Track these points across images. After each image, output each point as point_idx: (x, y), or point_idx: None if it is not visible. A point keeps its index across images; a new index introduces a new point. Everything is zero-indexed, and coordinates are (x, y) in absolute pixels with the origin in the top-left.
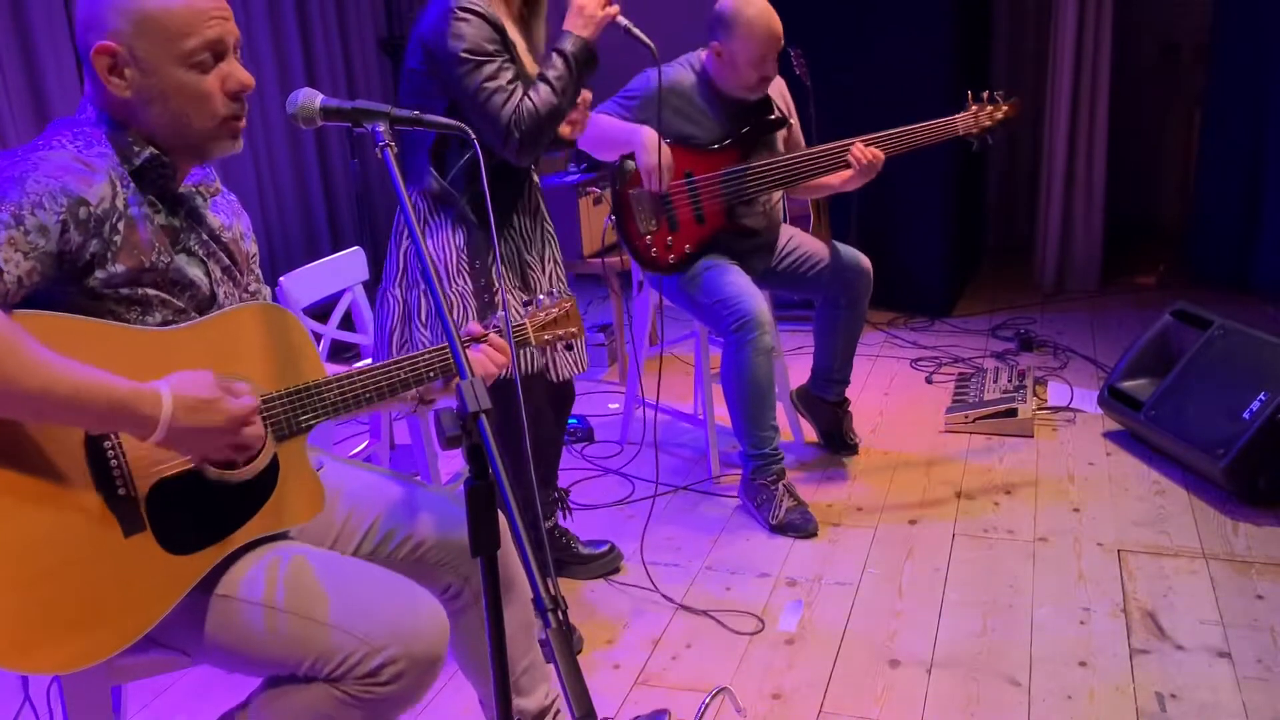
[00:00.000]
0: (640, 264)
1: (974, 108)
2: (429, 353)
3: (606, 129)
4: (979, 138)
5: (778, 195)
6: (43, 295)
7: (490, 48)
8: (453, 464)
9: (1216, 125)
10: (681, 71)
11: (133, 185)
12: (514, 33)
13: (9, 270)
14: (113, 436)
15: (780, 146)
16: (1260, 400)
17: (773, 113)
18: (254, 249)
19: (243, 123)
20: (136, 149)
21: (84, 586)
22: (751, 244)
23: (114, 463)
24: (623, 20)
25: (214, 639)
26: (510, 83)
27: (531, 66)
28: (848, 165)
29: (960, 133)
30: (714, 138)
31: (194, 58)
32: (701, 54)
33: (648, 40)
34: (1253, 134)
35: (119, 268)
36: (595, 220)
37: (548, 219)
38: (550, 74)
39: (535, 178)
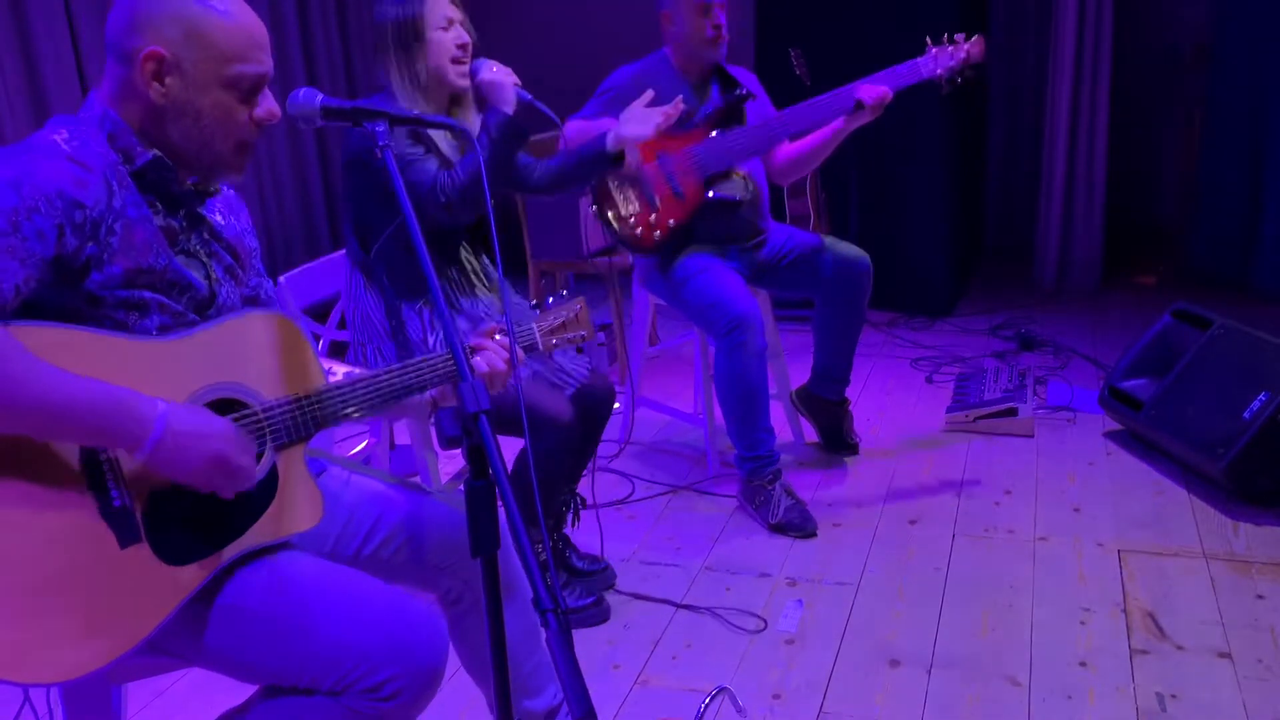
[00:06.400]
0: (627, 247)
1: (934, 50)
2: (429, 360)
3: (574, 136)
4: (948, 80)
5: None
6: (40, 301)
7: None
8: (453, 465)
9: (1217, 125)
10: (644, 65)
11: (131, 185)
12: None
13: (7, 278)
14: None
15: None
16: (1260, 400)
17: (738, 88)
18: (255, 245)
19: (251, 153)
20: (140, 149)
21: (80, 597)
22: (735, 216)
23: (109, 473)
24: (525, 94)
25: (213, 648)
26: (421, 156)
27: (455, 155)
28: (814, 127)
29: (925, 75)
30: (684, 118)
31: (238, 84)
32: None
33: (550, 114)
34: (1253, 134)
35: (115, 269)
36: (595, 220)
37: (484, 268)
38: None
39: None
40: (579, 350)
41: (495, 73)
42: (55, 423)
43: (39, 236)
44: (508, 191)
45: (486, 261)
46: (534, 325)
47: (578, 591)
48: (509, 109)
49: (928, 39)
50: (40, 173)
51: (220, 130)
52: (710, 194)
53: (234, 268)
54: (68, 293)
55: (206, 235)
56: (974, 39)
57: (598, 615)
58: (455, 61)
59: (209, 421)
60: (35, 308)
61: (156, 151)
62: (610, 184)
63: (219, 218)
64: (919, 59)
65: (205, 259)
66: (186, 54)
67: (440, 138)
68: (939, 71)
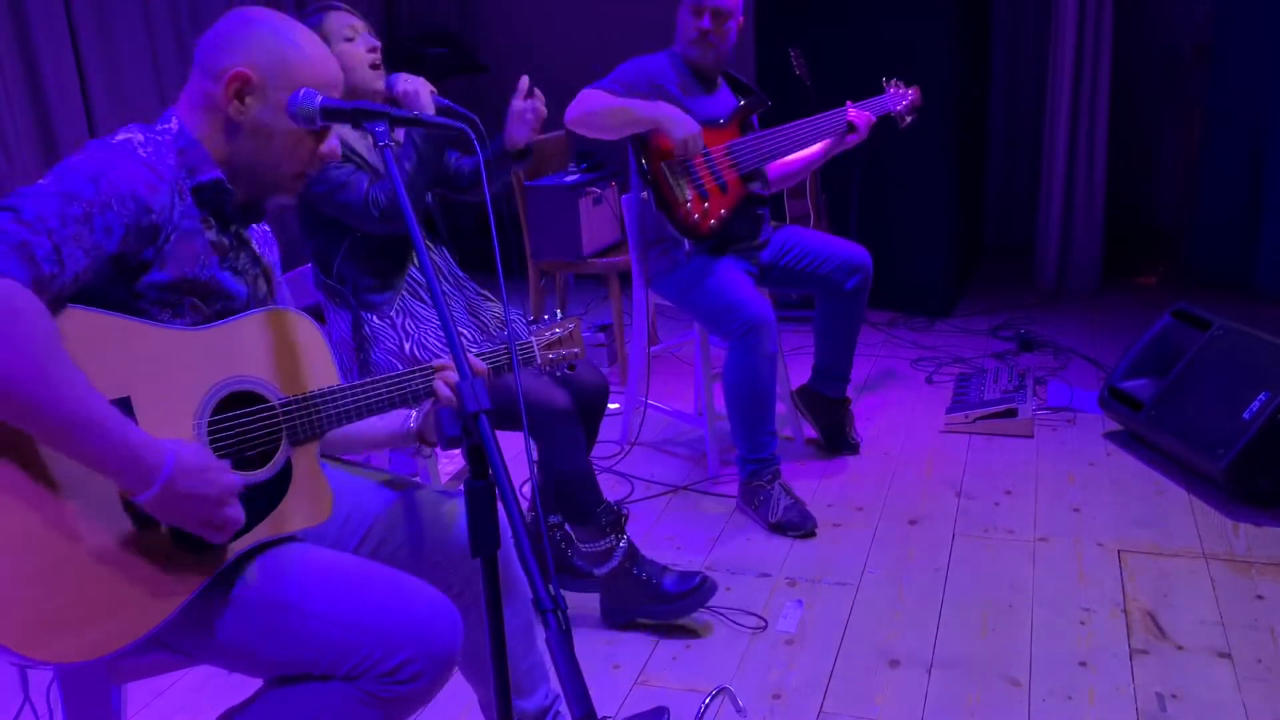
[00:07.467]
0: (682, 231)
1: (890, 89)
2: (440, 362)
3: (617, 107)
4: (900, 116)
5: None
6: (84, 288)
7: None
8: (454, 465)
9: (1217, 125)
10: (660, 60)
11: (190, 199)
12: (354, 139)
13: (69, 266)
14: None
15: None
16: (1260, 400)
17: (750, 93)
18: (282, 279)
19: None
20: (207, 166)
21: (98, 579)
22: (761, 213)
23: None
24: (443, 100)
25: (224, 640)
26: (350, 175)
27: (379, 160)
28: (829, 135)
29: (890, 108)
30: (707, 117)
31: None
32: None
33: (467, 113)
34: (1253, 134)
35: (164, 275)
36: (595, 220)
37: (454, 277)
38: (402, 158)
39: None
40: (571, 368)
41: (410, 82)
42: (66, 437)
43: (107, 231)
44: (443, 193)
45: (448, 256)
46: (533, 340)
47: (675, 577)
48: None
49: (883, 79)
50: (117, 172)
51: (287, 156)
52: (747, 188)
53: (268, 295)
54: (112, 285)
55: (251, 258)
56: (913, 87)
57: (706, 592)
58: (373, 67)
59: (211, 483)
60: (77, 293)
61: (220, 173)
62: (664, 174)
63: (258, 245)
64: (883, 95)
65: (252, 279)
66: (271, 80)
67: (366, 148)
68: (898, 108)
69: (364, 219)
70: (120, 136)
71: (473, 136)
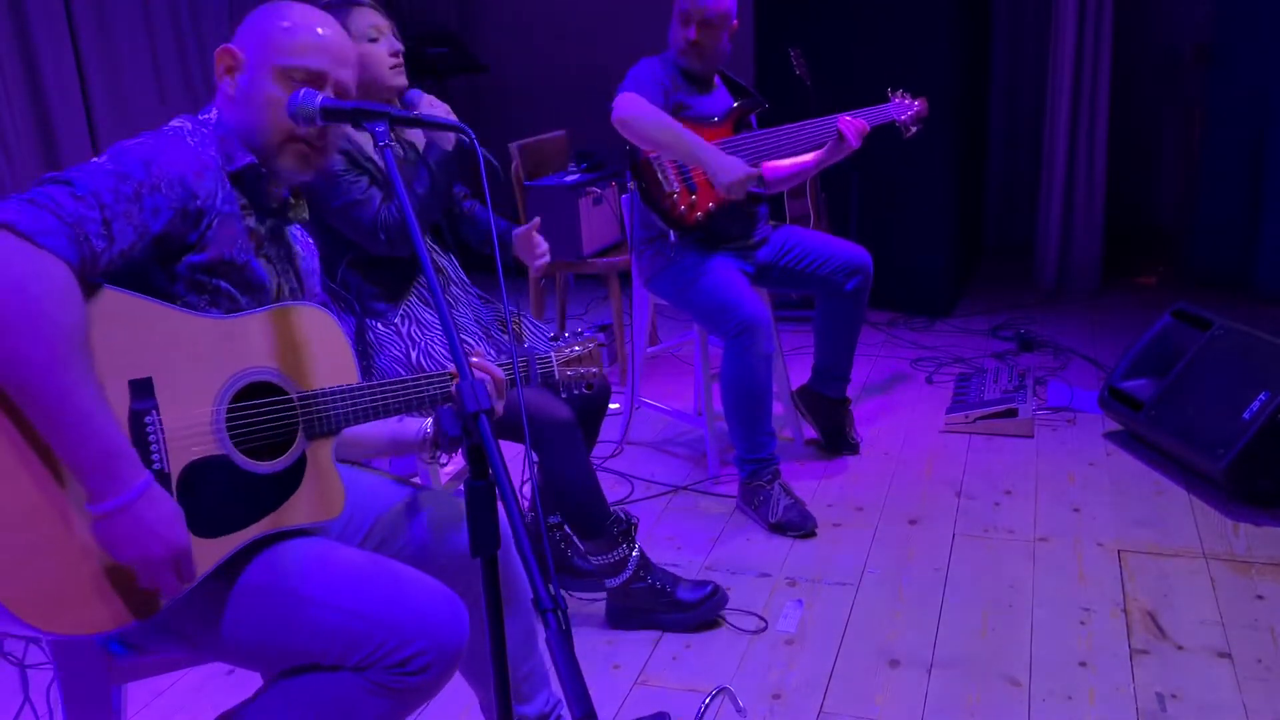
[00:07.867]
0: (666, 222)
1: (895, 99)
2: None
3: (674, 131)
4: (905, 126)
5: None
6: (127, 264)
7: (337, 169)
8: (454, 465)
9: (1217, 125)
10: (654, 64)
11: (229, 185)
12: (367, 145)
13: (119, 242)
14: (154, 411)
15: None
16: (1260, 400)
17: (748, 95)
18: (318, 288)
19: (314, 154)
20: (241, 153)
21: (108, 556)
22: (755, 211)
23: (152, 437)
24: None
25: (235, 629)
26: (364, 192)
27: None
28: (820, 141)
29: (893, 117)
30: (703, 115)
31: (289, 76)
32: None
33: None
34: (1253, 134)
35: (203, 257)
36: (595, 220)
37: (462, 284)
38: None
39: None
40: (589, 388)
41: (436, 108)
42: (58, 425)
43: (154, 212)
44: (444, 221)
45: (455, 263)
46: (552, 355)
47: (689, 586)
48: (448, 145)
49: (889, 89)
50: (168, 157)
51: (270, 121)
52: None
53: (296, 292)
54: (152, 266)
55: (284, 253)
56: (920, 99)
57: (719, 601)
58: (392, 69)
59: (171, 527)
60: (113, 272)
61: (254, 157)
62: (654, 166)
63: (294, 245)
64: (887, 104)
65: (279, 273)
66: (252, 51)
67: (376, 151)
68: (904, 117)
69: (370, 240)
70: (172, 124)
71: (470, 136)
